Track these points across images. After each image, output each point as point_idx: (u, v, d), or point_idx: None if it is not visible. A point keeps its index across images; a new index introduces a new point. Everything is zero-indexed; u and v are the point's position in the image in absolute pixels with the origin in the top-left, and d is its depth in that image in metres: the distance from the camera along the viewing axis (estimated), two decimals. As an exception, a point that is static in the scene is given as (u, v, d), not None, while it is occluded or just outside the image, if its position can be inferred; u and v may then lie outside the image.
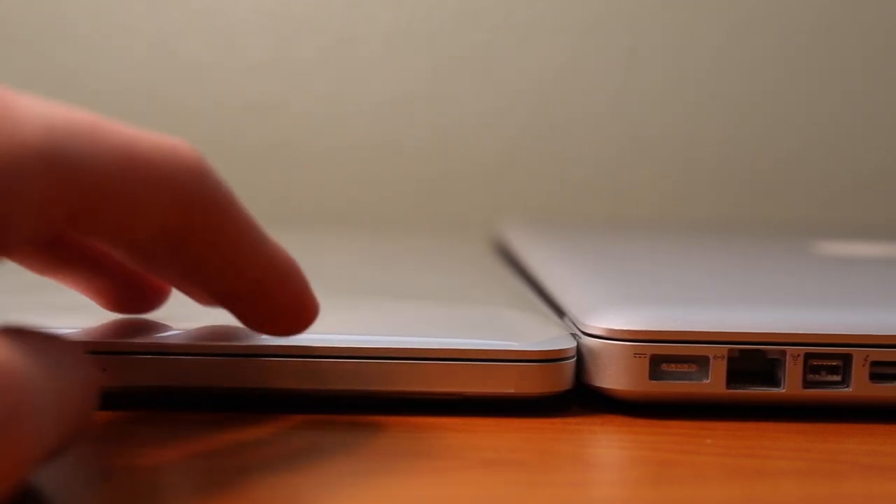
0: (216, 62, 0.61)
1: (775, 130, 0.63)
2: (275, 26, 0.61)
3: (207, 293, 0.25)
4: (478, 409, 0.30)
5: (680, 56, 0.62)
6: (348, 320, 0.30)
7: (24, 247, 0.22)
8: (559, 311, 0.34)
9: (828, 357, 0.30)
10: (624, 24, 0.62)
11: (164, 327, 0.29)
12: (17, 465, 0.19)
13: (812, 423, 0.30)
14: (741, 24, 0.62)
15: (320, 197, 0.62)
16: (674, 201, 0.63)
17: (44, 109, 0.21)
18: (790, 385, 0.30)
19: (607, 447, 0.28)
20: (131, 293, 0.28)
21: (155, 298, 0.29)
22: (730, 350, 0.30)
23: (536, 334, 0.30)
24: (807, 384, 0.30)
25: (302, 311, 0.26)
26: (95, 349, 0.28)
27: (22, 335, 0.21)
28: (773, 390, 0.30)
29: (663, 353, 0.30)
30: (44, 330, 0.22)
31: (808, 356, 0.30)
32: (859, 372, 0.30)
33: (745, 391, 0.30)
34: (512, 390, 0.29)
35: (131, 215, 0.22)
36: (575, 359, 0.30)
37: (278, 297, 0.25)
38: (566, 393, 0.30)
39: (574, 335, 0.31)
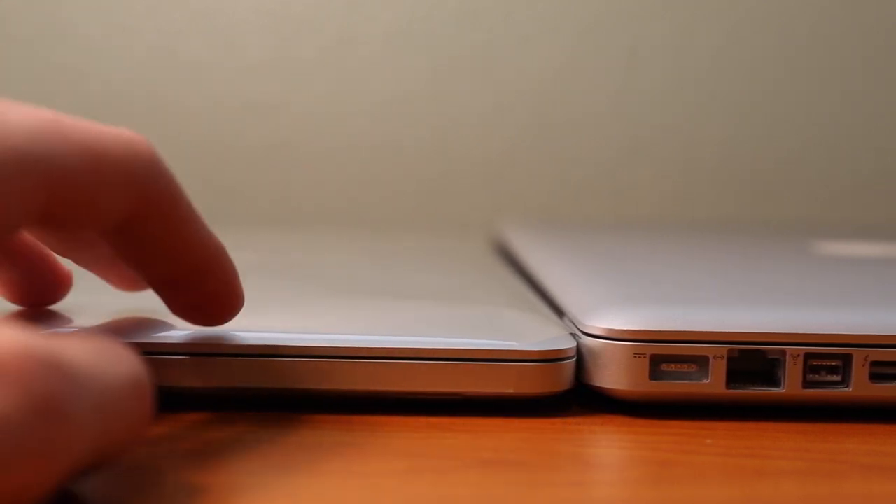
0: (216, 62, 0.61)
1: (775, 130, 0.63)
2: (275, 26, 0.61)
3: (146, 278, 0.26)
4: (478, 409, 0.30)
5: (680, 56, 0.62)
6: (348, 320, 0.30)
7: (3, 241, 0.23)
8: (559, 311, 0.34)
9: (828, 357, 0.30)
10: (624, 24, 0.62)
11: (160, 327, 0.29)
12: (50, 466, 0.18)
13: (812, 423, 0.30)
14: (741, 24, 0.62)
15: (320, 197, 0.62)
16: (674, 201, 0.63)
17: (12, 113, 0.22)
18: (790, 385, 0.30)
19: (607, 447, 0.28)
20: (35, 285, 0.29)
21: (59, 289, 0.30)
22: (730, 350, 0.30)
23: (536, 334, 0.30)
24: (807, 384, 0.30)
25: (231, 300, 0.27)
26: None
27: (66, 334, 0.21)
28: (773, 390, 0.30)
29: (663, 353, 0.30)
30: (90, 328, 0.22)
31: (807, 356, 0.30)
32: (859, 372, 0.30)
33: (745, 391, 0.30)
34: (512, 390, 0.29)
35: (97, 208, 0.23)
36: (575, 359, 0.30)
37: (211, 283, 0.27)
38: (566, 393, 0.30)
39: (574, 335, 0.31)
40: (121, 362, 0.21)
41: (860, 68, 0.63)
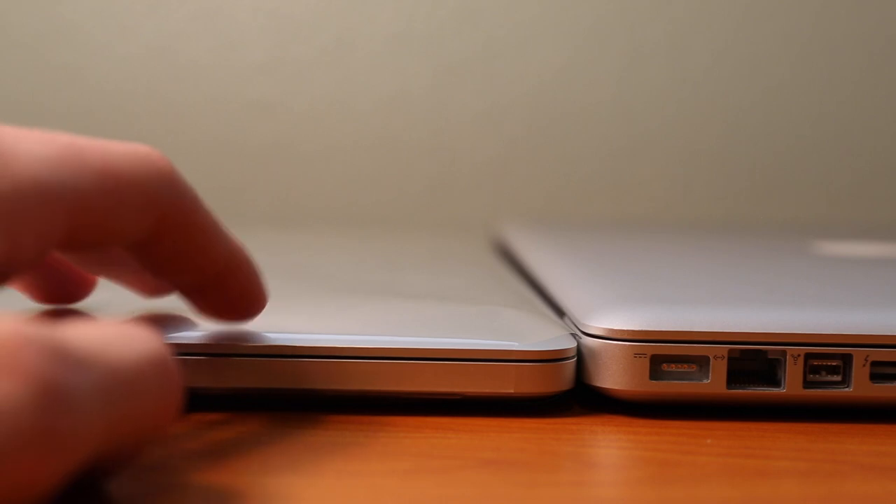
0: (216, 62, 0.61)
1: (775, 130, 0.63)
2: (275, 26, 0.61)
3: (171, 285, 0.27)
4: (478, 409, 0.30)
5: (680, 56, 0.62)
6: (348, 320, 0.30)
7: (29, 269, 0.22)
8: (559, 311, 0.34)
9: (828, 357, 0.30)
10: (624, 24, 0.62)
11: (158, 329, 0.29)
12: (54, 456, 0.17)
13: (812, 423, 0.30)
14: (741, 24, 0.62)
15: (320, 197, 0.62)
16: (674, 201, 0.63)
17: (29, 142, 0.22)
18: (790, 385, 0.30)
19: (607, 447, 0.28)
20: (59, 283, 0.29)
21: (83, 287, 0.30)
22: (730, 350, 0.30)
23: (536, 334, 0.30)
24: (807, 384, 0.30)
25: (255, 298, 0.27)
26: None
27: (74, 320, 0.20)
28: (774, 390, 0.30)
29: (663, 353, 0.30)
30: (112, 317, 0.21)
31: (808, 356, 0.30)
32: (859, 372, 0.30)
33: (746, 391, 0.30)
34: (512, 390, 0.29)
35: (118, 229, 0.24)
36: (575, 359, 0.30)
37: (235, 286, 0.27)
38: (566, 393, 0.30)
39: (574, 335, 0.31)
40: (136, 342, 0.20)
41: (860, 68, 0.63)
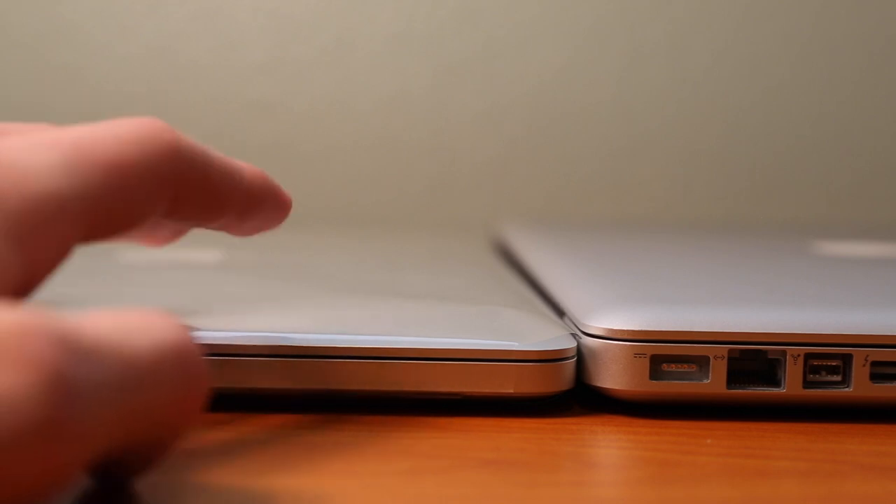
0: (216, 62, 0.61)
1: (775, 130, 0.63)
2: (275, 26, 0.61)
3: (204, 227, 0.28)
4: (478, 409, 0.30)
5: (680, 56, 0.62)
6: (348, 320, 0.30)
7: (47, 279, 0.22)
8: (559, 311, 0.34)
9: (828, 357, 0.30)
10: (624, 24, 0.62)
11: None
12: (59, 447, 0.17)
13: (812, 424, 0.30)
14: (741, 24, 0.62)
15: (320, 197, 0.62)
16: (674, 201, 0.63)
17: (34, 152, 0.22)
18: (790, 385, 0.30)
19: (607, 447, 0.28)
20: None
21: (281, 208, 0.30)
22: (730, 350, 0.30)
23: (536, 334, 0.30)
24: (807, 384, 0.30)
25: (282, 210, 0.29)
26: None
27: (86, 311, 0.20)
28: (774, 390, 0.30)
29: (663, 353, 0.30)
30: (133, 309, 0.20)
31: (808, 356, 0.30)
32: (859, 372, 0.30)
33: (746, 391, 0.30)
34: (512, 390, 0.29)
35: (134, 215, 0.24)
36: (575, 359, 0.30)
37: (260, 213, 0.28)
38: (566, 393, 0.30)
39: (574, 335, 0.31)
40: (154, 331, 0.20)
41: (860, 68, 0.63)
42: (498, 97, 0.62)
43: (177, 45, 0.61)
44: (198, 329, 0.29)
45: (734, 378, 0.30)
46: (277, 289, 0.35)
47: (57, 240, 0.22)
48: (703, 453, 0.27)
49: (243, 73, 0.61)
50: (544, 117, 0.62)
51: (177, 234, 0.30)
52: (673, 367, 0.30)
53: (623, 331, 0.30)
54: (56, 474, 0.17)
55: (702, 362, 0.30)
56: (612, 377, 0.30)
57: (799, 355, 0.30)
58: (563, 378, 0.30)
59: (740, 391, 0.30)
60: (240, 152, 0.61)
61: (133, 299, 0.32)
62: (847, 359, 0.30)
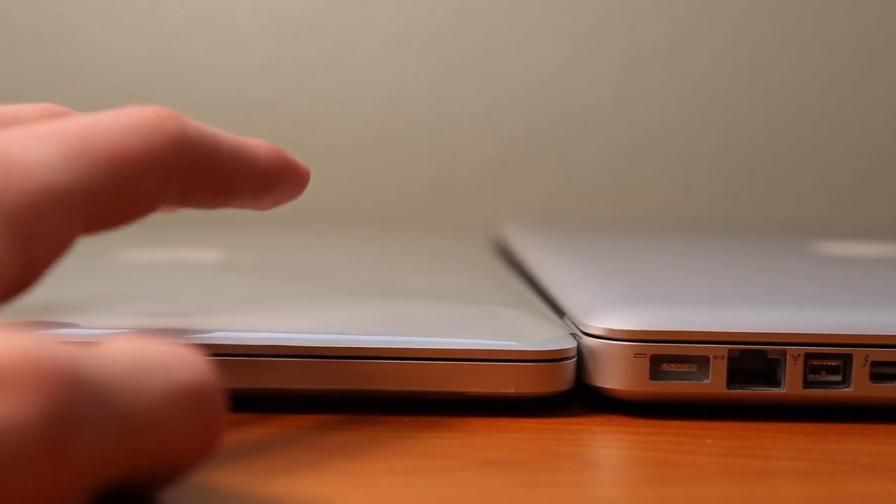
0: (216, 62, 0.61)
1: (775, 130, 0.63)
2: (275, 26, 0.61)
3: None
4: (478, 409, 0.30)
5: (680, 56, 0.62)
6: (348, 320, 0.30)
7: (47, 272, 0.22)
8: (559, 311, 0.34)
9: (828, 357, 0.30)
10: (624, 24, 0.62)
11: (159, 329, 0.29)
12: (57, 475, 0.17)
13: (812, 423, 0.30)
14: (741, 24, 0.62)
15: (320, 197, 0.62)
16: (674, 201, 0.63)
17: (34, 145, 0.21)
18: (790, 385, 0.30)
19: (607, 447, 0.28)
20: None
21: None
22: (730, 350, 0.30)
23: (536, 334, 0.30)
24: (807, 384, 0.30)
25: (301, 181, 0.28)
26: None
27: (105, 340, 0.20)
28: (774, 390, 0.30)
29: (663, 353, 0.30)
30: (154, 341, 0.20)
31: (808, 356, 0.30)
32: (859, 372, 0.30)
33: (745, 391, 0.30)
34: (512, 390, 0.29)
35: (138, 206, 0.23)
36: (575, 359, 0.30)
37: (278, 184, 0.27)
38: (566, 393, 0.30)
39: (574, 335, 0.31)
40: (172, 369, 0.19)
41: (860, 68, 0.63)
42: (498, 97, 0.62)
43: (177, 45, 0.61)
44: (197, 329, 0.29)
45: (734, 378, 0.30)
46: (277, 289, 0.35)
47: (57, 233, 0.21)
48: (703, 453, 0.27)
49: (243, 73, 0.61)
50: (544, 117, 0.62)
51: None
52: (673, 367, 0.30)
53: (623, 331, 0.30)
54: (51, 500, 0.17)
55: (702, 362, 0.30)
56: (612, 377, 0.30)
57: (799, 355, 0.30)
58: (563, 378, 0.30)
59: (740, 391, 0.30)
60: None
61: (133, 299, 0.32)
62: (847, 359, 0.30)
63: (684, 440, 0.28)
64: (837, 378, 0.30)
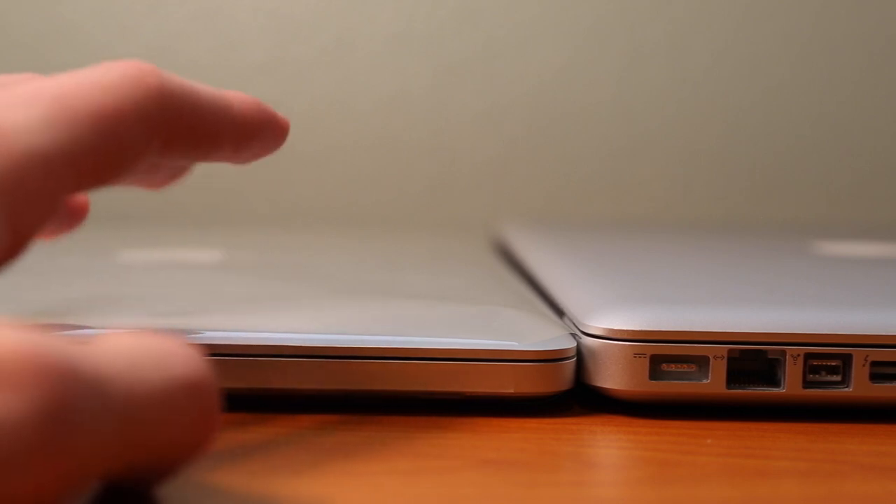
0: (216, 62, 0.61)
1: (775, 130, 0.63)
2: (275, 26, 0.61)
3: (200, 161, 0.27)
4: (478, 409, 0.30)
5: (680, 56, 0.62)
6: (348, 320, 0.30)
7: (47, 224, 0.22)
8: (559, 311, 0.34)
9: (828, 357, 0.30)
10: (624, 24, 0.62)
11: (161, 328, 0.29)
12: (54, 469, 0.17)
13: (812, 423, 0.30)
14: (741, 24, 0.62)
15: (320, 197, 0.62)
16: (674, 201, 0.63)
17: (15, 109, 0.21)
18: (790, 385, 0.30)
19: (607, 447, 0.28)
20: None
21: (76, 218, 0.30)
22: (730, 350, 0.30)
23: (536, 334, 0.30)
24: (807, 384, 0.30)
25: (280, 130, 0.28)
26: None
27: (100, 336, 0.20)
28: (773, 390, 0.30)
29: (663, 353, 0.30)
30: (151, 334, 0.20)
31: (808, 356, 0.30)
32: (859, 372, 0.30)
33: (745, 391, 0.30)
34: (512, 390, 0.29)
35: (122, 164, 0.23)
36: (575, 359, 0.30)
37: (258, 136, 0.27)
38: (566, 393, 0.30)
39: (574, 335, 0.31)
40: (169, 364, 0.20)
41: (860, 68, 0.63)
42: (498, 97, 0.62)
43: (177, 45, 0.61)
44: (197, 329, 0.29)
45: (734, 378, 0.30)
46: (277, 289, 0.35)
47: (43, 197, 0.21)
48: (703, 453, 0.27)
49: (243, 73, 0.61)
50: (544, 117, 0.62)
51: (174, 175, 0.30)
52: (673, 367, 0.30)
53: (623, 331, 0.30)
54: (50, 493, 0.17)
55: (701, 362, 0.30)
56: (612, 377, 0.30)
57: (799, 355, 0.30)
58: (563, 378, 0.30)
59: (740, 391, 0.30)
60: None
61: (133, 299, 0.32)
62: (847, 359, 0.30)
63: (684, 440, 0.28)
64: (837, 378, 0.30)
